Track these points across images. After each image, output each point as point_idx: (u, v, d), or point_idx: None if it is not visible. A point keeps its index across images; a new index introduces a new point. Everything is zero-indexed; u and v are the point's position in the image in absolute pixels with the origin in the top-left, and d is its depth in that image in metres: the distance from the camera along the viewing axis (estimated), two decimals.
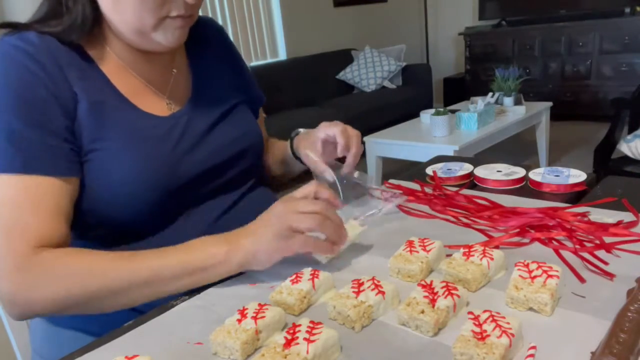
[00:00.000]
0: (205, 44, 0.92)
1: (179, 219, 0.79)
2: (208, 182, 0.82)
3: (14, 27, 0.72)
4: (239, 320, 0.56)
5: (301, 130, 0.96)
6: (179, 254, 0.67)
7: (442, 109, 2.82)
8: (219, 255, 0.67)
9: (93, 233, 0.78)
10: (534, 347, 0.49)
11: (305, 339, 0.50)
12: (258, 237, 0.67)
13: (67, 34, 0.72)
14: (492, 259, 0.64)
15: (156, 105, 0.80)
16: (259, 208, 0.74)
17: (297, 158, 0.94)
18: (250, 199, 0.88)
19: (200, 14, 0.87)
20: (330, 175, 0.83)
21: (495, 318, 0.51)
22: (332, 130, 0.85)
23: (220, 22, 3.94)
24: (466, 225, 0.81)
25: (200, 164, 0.80)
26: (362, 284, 0.61)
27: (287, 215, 0.67)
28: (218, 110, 0.86)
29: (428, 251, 0.68)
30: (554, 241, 0.72)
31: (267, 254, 0.67)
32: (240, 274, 0.74)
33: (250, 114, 0.95)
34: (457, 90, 5.11)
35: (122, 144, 0.73)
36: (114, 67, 0.77)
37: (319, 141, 0.86)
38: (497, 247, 0.71)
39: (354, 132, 0.87)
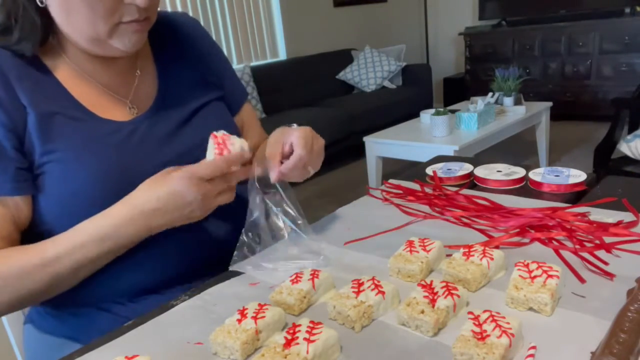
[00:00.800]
0: (174, 41, 0.88)
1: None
2: None
3: None
4: (239, 320, 0.56)
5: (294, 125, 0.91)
6: (91, 251, 0.69)
7: (442, 109, 2.81)
8: (131, 240, 0.70)
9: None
10: (534, 347, 0.49)
11: (305, 339, 0.50)
12: (171, 222, 0.69)
13: (18, 47, 0.71)
14: (492, 259, 0.64)
15: (117, 111, 0.78)
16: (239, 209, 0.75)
17: None
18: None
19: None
20: (272, 176, 0.76)
21: (495, 318, 0.51)
22: (293, 137, 0.76)
23: (220, 22, 3.95)
24: (466, 225, 0.81)
25: (160, 169, 0.75)
26: (362, 284, 0.61)
27: (206, 202, 0.69)
28: (186, 110, 0.83)
29: (428, 251, 0.68)
30: (554, 241, 0.72)
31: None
32: (240, 273, 0.74)
33: (225, 111, 0.90)
34: (457, 90, 5.11)
35: (75, 154, 0.72)
36: (72, 75, 0.76)
37: (285, 144, 0.78)
38: (497, 247, 0.71)
39: (315, 145, 0.78)
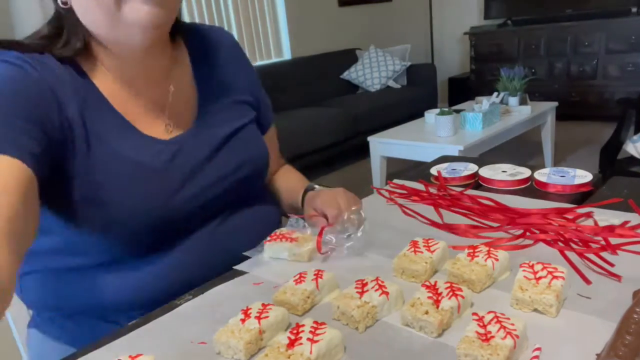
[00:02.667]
0: (215, 56, 0.86)
1: (171, 247, 0.76)
2: (203, 212, 0.78)
3: (9, 45, 0.69)
4: (243, 320, 0.56)
5: (317, 187, 0.92)
6: None
7: (446, 109, 2.81)
8: None
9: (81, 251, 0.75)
10: (538, 349, 0.49)
11: (308, 339, 0.50)
12: None
13: (61, 51, 0.70)
14: (496, 259, 0.63)
15: (155, 125, 0.76)
16: (258, 225, 0.74)
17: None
18: (247, 217, 0.85)
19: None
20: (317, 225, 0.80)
21: (499, 319, 0.50)
22: (329, 211, 0.81)
23: (225, 21, 3.95)
24: (472, 227, 0.81)
25: (196, 197, 0.76)
26: (366, 284, 0.60)
27: None
28: (223, 132, 0.81)
29: (432, 252, 0.68)
30: (559, 242, 0.72)
31: None
32: (244, 273, 0.74)
33: (258, 134, 0.90)
34: (462, 90, 5.09)
35: (122, 182, 0.70)
36: (112, 85, 0.74)
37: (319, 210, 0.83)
38: (502, 247, 0.71)
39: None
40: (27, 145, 0.59)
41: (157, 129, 0.76)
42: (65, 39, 0.70)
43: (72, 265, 0.75)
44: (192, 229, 0.77)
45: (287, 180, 0.99)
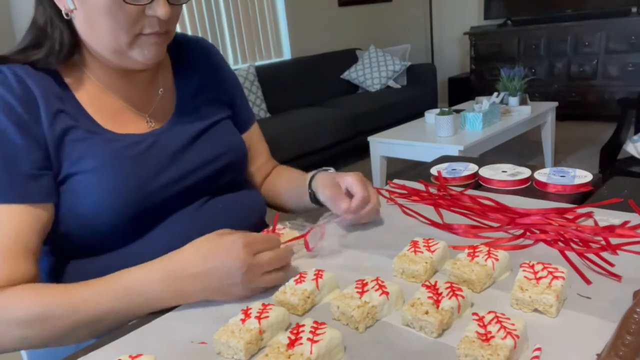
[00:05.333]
0: (194, 62, 0.92)
1: (153, 230, 0.79)
2: (183, 198, 0.81)
3: None
4: (243, 320, 0.56)
5: (331, 169, 0.92)
6: (117, 298, 0.64)
7: (446, 109, 2.81)
8: (159, 303, 0.65)
9: (66, 248, 0.78)
10: (539, 349, 0.49)
11: (309, 339, 0.50)
12: (211, 293, 0.64)
13: (45, 62, 0.73)
14: (497, 259, 0.63)
15: (135, 125, 0.81)
16: (240, 209, 0.77)
17: (312, 195, 0.89)
18: (229, 201, 0.87)
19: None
20: (343, 207, 0.79)
21: (500, 319, 0.50)
22: (347, 182, 0.81)
23: (225, 22, 3.96)
24: (473, 227, 0.81)
25: (174, 183, 0.79)
26: (366, 284, 0.60)
27: (254, 279, 0.64)
28: (200, 125, 0.86)
29: (432, 252, 0.68)
30: (559, 242, 0.72)
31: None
32: None
33: (234, 129, 0.94)
34: (462, 90, 5.09)
35: (94, 166, 0.73)
36: (92, 90, 0.78)
37: (341, 184, 0.83)
38: (502, 248, 0.71)
39: (372, 190, 0.83)
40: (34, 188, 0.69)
41: (138, 126, 0.81)
42: (49, 48, 0.73)
43: (61, 261, 0.78)
44: (171, 213, 0.80)
45: (287, 175, 1.00)
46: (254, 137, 1.01)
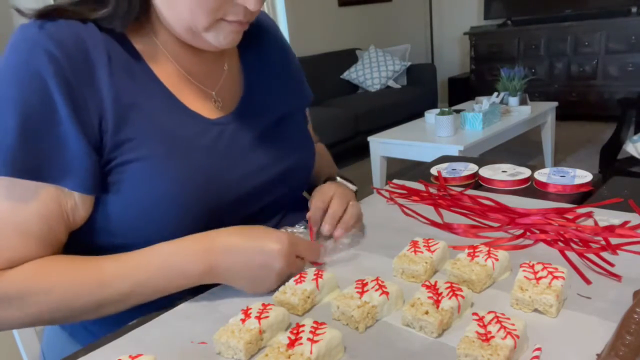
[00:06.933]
0: (259, 39, 0.84)
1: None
2: (249, 204, 0.76)
3: (47, 14, 0.64)
4: (243, 320, 0.56)
5: (338, 178, 0.91)
6: (156, 274, 0.63)
7: (446, 109, 2.81)
8: (193, 279, 0.65)
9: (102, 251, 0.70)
10: (539, 349, 0.49)
11: (309, 339, 0.50)
12: (246, 274, 0.64)
13: (109, 21, 0.65)
14: (497, 259, 0.63)
15: (204, 104, 0.74)
16: None
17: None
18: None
19: None
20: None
21: (500, 319, 0.50)
22: (312, 202, 0.78)
23: None
24: (473, 227, 0.81)
25: (244, 182, 0.74)
26: (366, 284, 0.60)
27: (293, 263, 0.66)
28: (269, 118, 0.80)
29: (432, 252, 0.68)
30: (559, 242, 0.72)
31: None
32: None
33: (304, 125, 0.89)
34: (462, 90, 5.10)
35: (163, 153, 0.66)
36: (160, 60, 0.71)
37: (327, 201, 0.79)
38: (502, 248, 0.71)
39: (352, 209, 0.78)
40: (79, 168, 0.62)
41: (206, 105, 0.75)
42: (115, 5, 0.64)
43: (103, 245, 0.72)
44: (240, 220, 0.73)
45: (319, 161, 0.96)
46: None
